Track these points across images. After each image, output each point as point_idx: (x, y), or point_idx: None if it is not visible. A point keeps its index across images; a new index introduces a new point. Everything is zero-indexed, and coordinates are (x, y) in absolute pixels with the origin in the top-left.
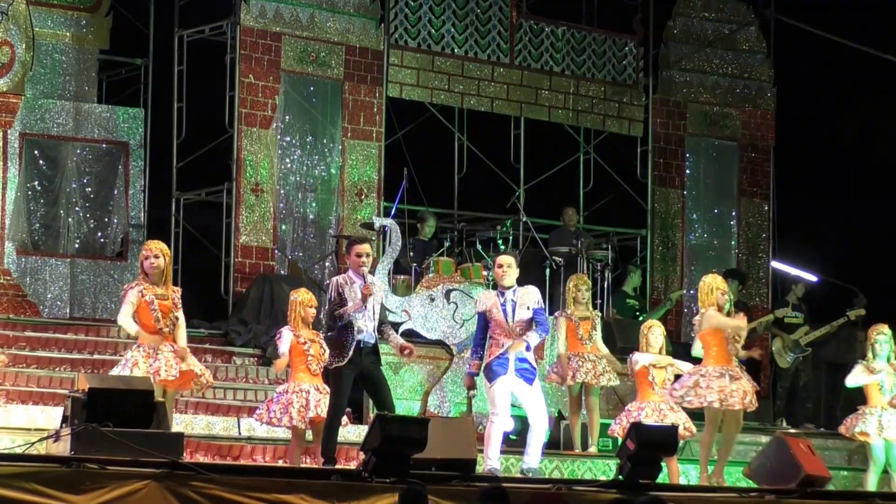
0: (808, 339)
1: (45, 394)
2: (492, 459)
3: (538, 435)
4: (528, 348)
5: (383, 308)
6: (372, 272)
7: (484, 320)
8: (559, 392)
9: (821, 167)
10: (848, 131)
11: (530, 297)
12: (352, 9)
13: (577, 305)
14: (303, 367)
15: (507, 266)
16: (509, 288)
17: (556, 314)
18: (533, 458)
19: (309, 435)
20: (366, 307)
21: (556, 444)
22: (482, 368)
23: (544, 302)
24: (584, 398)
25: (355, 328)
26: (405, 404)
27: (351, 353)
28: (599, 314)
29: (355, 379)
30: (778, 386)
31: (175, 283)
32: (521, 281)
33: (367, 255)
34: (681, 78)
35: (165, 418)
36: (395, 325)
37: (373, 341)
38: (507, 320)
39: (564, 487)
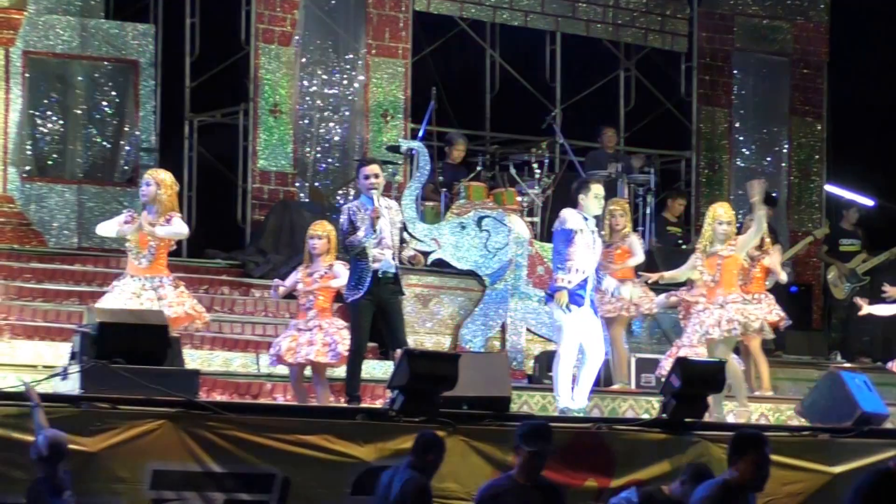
0: (865, 267)
1: (52, 328)
2: (563, 397)
3: (592, 370)
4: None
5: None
6: (398, 198)
7: (570, 240)
8: None
9: (877, 84)
10: None
11: None
12: None
13: (614, 234)
14: None
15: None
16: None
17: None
18: (581, 396)
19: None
20: (375, 231)
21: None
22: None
23: None
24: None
25: (370, 257)
26: (435, 339)
27: (368, 283)
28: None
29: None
30: (833, 317)
31: (189, 210)
32: (559, 207)
33: (377, 177)
34: None
35: (180, 355)
36: (425, 255)
37: (393, 270)
38: (591, 246)
39: (605, 427)
